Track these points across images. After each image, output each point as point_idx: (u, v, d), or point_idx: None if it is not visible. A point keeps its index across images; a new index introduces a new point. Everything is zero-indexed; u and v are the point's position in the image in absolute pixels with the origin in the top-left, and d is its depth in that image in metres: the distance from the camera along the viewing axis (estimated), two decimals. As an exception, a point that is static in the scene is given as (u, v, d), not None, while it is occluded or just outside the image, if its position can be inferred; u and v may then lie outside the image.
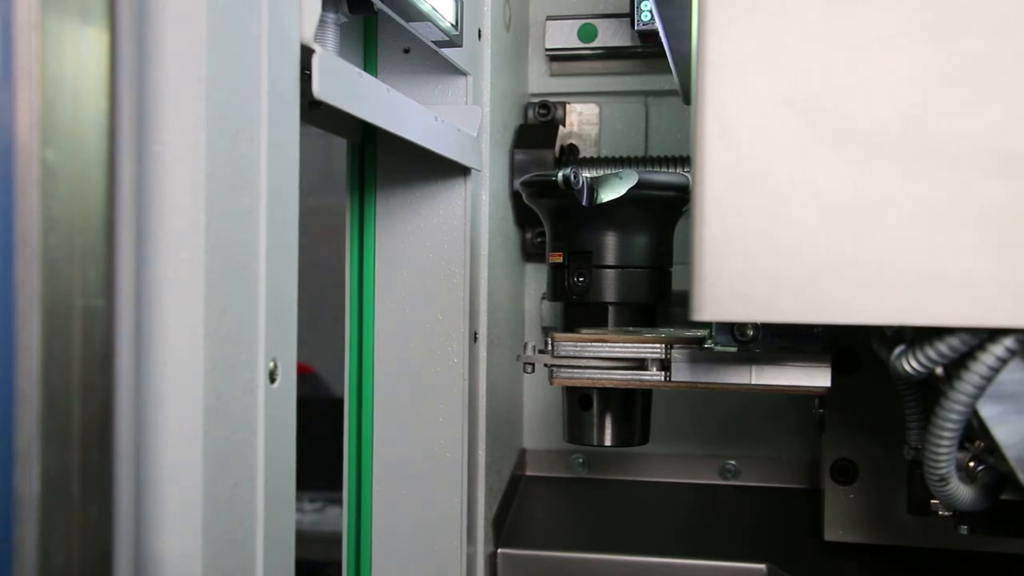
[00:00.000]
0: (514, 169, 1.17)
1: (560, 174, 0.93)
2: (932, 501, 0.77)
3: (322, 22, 0.76)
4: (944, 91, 0.54)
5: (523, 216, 1.21)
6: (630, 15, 1.19)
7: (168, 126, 0.51)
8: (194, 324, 0.51)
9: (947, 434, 0.61)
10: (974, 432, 0.63)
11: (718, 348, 0.80)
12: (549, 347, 0.87)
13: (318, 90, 0.62)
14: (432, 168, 0.99)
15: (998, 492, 0.66)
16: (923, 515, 0.80)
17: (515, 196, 1.17)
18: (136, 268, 0.49)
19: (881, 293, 0.55)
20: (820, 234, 0.56)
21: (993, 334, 0.56)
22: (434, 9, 0.84)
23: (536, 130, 1.23)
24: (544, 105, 1.26)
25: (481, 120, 1.03)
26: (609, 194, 0.93)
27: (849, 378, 1.00)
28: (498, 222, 1.12)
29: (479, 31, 1.04)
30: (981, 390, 0.58)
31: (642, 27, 1.19)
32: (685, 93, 1.06)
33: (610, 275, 0.98)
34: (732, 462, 1.25)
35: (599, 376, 0.85)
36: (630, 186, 0.93)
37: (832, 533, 1.07)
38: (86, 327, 0.46)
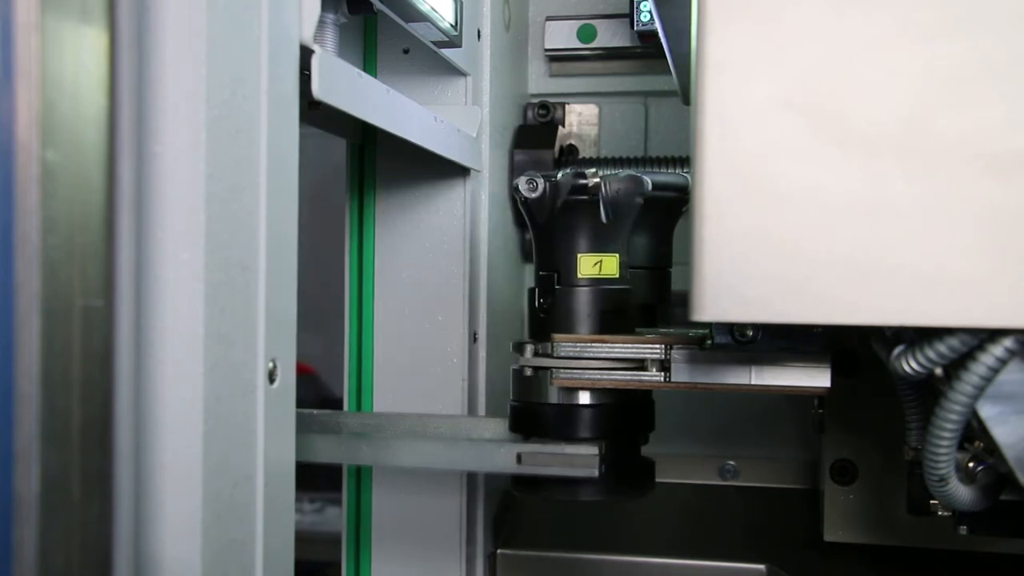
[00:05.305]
0: (514, 169, 1.17)
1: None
2: (932, 501, 0.77)
3: (322, 22, 0.76)
4: (944, 91, 0.54)
5: (522, 216, 1.21)
6: (630, 15, 1.19)
7: (168, 126, 0.51)
8: (194, 324, 0.51)
9: (947, 434, 0.61)
10: (974, 432, 0.63)
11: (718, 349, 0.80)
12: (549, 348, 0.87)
13: (318, 90, 0.62)
14: (432, 168, 0.99)
15: (998, 492, 0.66)
16: (923, 515, 0.80)
17: (514, 196, 1.17)
18: (136, 268, 0.49)
19: (881, 293, 0.55)
20: (820, 234, 0.56)
21: (993, 334, 0.56)
22: (433, 9, 0.84)
23: (535, 130, 1.23)
24: (543, 105, 1.26)
25: (480, 120, 1.03)
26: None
27: (849, 378, 1.00)
28: (497, 222, 1.12)
29: (478, 31, 1.04)
30: (981, 390, 0.58)
31: (642, 27, 1.19)
32: (685, 93, 1.06)
33: (610, 275, 0.98)
34: (732, 462, 1.25)
35: (599, 377, 0.85)
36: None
37: (832, 533, 1.07)
38: (86, 327, 0.46)
